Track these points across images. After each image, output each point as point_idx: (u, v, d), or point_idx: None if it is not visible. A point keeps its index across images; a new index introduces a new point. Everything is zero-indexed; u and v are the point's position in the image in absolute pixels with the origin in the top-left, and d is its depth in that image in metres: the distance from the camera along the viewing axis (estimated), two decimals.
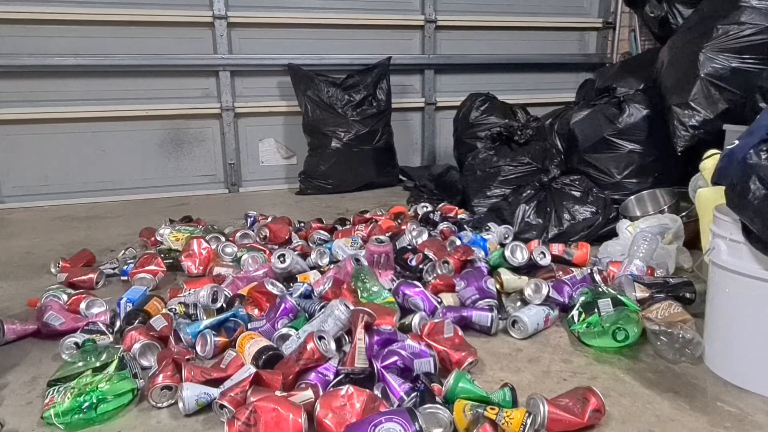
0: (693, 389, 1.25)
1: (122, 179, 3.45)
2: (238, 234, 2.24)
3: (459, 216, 2.48)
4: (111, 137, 3.39)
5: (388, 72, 3.58)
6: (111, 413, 1.16)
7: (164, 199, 3.44)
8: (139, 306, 1.56)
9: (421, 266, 1.81)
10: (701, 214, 1.66)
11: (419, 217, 2.50)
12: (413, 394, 1.11)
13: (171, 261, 2.01)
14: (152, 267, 1.89)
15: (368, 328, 1.26)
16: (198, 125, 3.57)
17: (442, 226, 2.27)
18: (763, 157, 1.13)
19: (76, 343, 1.38)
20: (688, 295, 1.61)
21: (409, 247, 1.95)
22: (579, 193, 2.30)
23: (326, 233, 2.24)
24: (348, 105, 3.46)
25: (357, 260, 1.72)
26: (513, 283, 1.64)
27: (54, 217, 3.02)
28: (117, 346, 1.34)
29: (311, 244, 2.15)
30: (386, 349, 1.23)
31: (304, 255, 1.97)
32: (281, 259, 1.78)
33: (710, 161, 1.67)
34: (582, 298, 1.49)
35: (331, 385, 1.17)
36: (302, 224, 2.45)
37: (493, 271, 1.73)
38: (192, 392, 1.15)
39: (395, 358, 1.20)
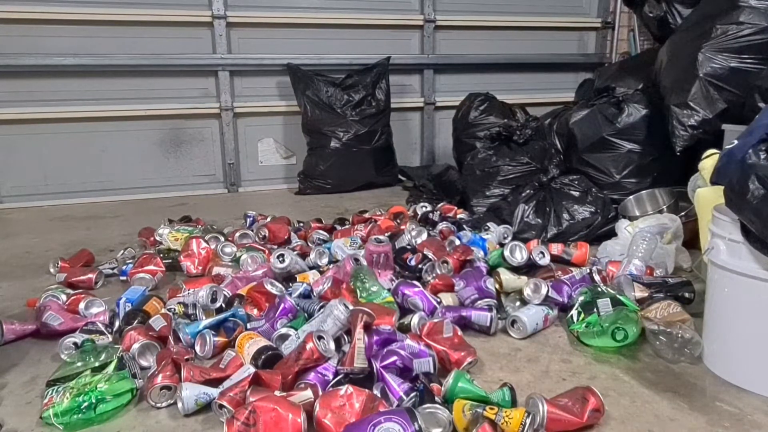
0: (692, 389, 1.25)
1: (121, 179, 3.45)
2: (237, 234, 2.24)
3: (458, 216, 2.48)
4: (110, 137, 3.39)
5: (387, 72, 3.58)
6: (110, 413, 1.16)
7: (163, 199, 3.43)
8: (138, 306, 1.56)
9: (420, 266, 1.81)
10: (700, 213, 1.66)
11: (418, 216, 2.50)
12: (412, 394, 1.11)
13: (170, 261, 2.01)
14: (151, 267, 1.89)
15: (367, 328, 1.25)
16: (197, 125, 3.57)
17: (442, 225, 2.27)
18: (762, 156, 1.13)
19: (75, 343, 1.38)
20: (687, 294, 1.61)
21: (409, 247, 1.95)
22: (578, 193, 2.30)
23: (325, 233, 2.24)
24: (347, 105, 3.46)
25: (356, 260, 1.72)
26: (512, 282, 1.64)
27: (53, 217, 3.01)
28: (116, 346, 1.34)
29: (310, 244, 2.15)
30: (385, 349, 1.23)
31: (303, 255, 1.97)
32: (280, 259, 1.78)
33: (709, 161, 1.67)
34: (581, 298, 1.49)
35: (330, 385, 1.17)
36: (301, 224, 2.45)
37: (492, 270, 1.73)
38: (191, 392, 1.14)
39: (394, 357, 1.20)
